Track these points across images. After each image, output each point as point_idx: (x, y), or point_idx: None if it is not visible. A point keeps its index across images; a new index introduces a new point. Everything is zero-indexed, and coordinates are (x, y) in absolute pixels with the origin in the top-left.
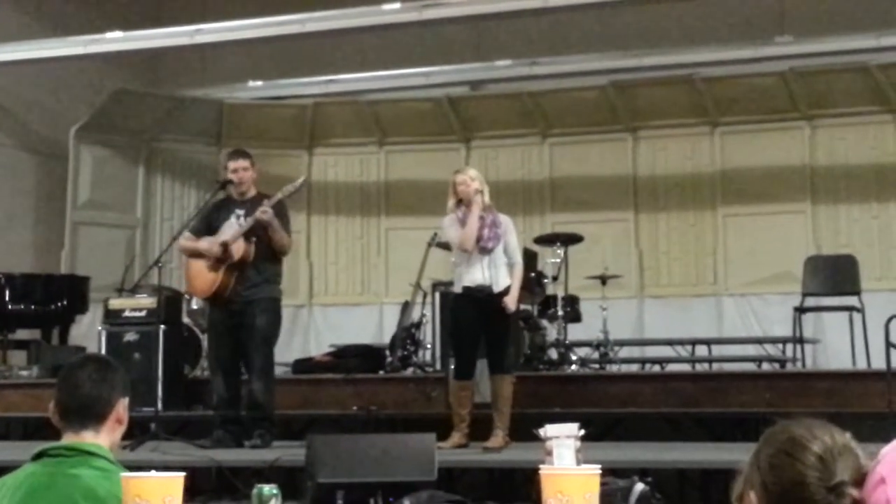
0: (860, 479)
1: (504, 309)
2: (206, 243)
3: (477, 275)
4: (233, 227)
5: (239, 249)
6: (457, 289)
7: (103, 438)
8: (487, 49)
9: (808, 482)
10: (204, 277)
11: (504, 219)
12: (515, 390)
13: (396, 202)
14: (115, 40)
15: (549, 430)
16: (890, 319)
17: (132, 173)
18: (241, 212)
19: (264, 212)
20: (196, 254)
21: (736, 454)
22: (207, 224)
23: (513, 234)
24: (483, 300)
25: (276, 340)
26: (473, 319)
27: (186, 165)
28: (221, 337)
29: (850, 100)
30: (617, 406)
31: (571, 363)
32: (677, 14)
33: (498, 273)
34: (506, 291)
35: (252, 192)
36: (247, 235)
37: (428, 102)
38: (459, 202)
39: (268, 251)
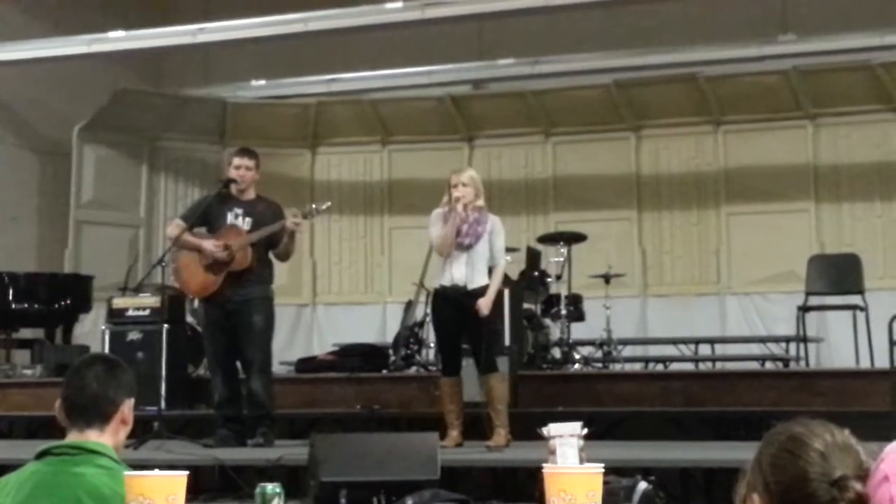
0: (863, 475)
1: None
2: (210, 245)
3: (452, 272)
4: (237, 228)
5: (245, 259)
6: (435, 285)
7: (107, 438)
8: (490, 48)
9: (810, 477)
10: (199, 278)
11: (492, 219)
12: (519, 389)
13: (400, 201)
14: (119, 39)
15: (552, 428)
16: (893, 318)
17: (135, 172)
18: (239, 211)
19: (297, 224)
20: (194, 249)
21: (739, 453)
22: (203, 216)
23: (500, 236)
24: (458, 298)
25: (272, 337)
26: (451, 316)
27: (190, 164)
28: (217, 335)
29: (853, 98)
30: (620, 405)
31: (575, 362)
32: (681, 12)
33: (474, 271)
34: (481, 290)
35: (252, 194)
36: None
37: (431, 101)
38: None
39: (262, 252)
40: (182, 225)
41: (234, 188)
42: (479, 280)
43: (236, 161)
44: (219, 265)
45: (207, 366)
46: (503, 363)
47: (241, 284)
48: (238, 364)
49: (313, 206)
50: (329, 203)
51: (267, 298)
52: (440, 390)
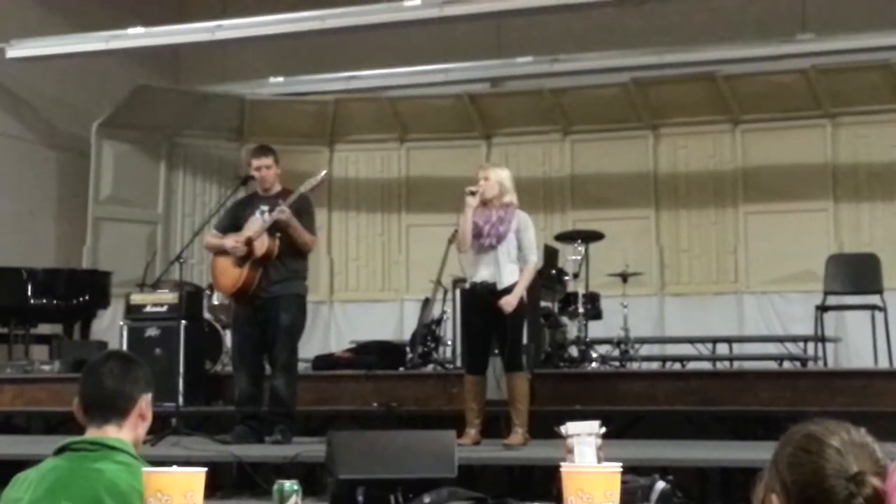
0: (880, 472)
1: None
2: (231, 240)
3: (481, 271)
4: (257, 222)
5: (262, 245)
6: (466, 284)
7: (126, 434)
8: (508, 46)
9: (827, 473)
10: (229, 274)
11: (520, 216)
12: (536, 388)
13: (417, 199)
14: (137, 36)
15: (569, 427)
16: None
17: (154, 169)
18: (265, 207)
19: (281, 211)
20: (221, 251)
21: (757, 452)
22: (233, 220)
23: (528, 232)
24: (486, 297)
25: (301, 336)
26: (480, 315)
27: (208, 161)
28: (246, 333)
29: (872, 97)
30: (638, 404)
31: (592, 360)
32: (699, 11)
33: (501, 270)
34: (510, 289)
35: (277, 188)
36: (270, 231)
37: (449, 99)
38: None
39: (292, 247)
40: (216, 234)
41: (258, 187)
42: (508, 278)
43: (255, 162)
44: (243, 258)
45: (232, 363)
46: None
47: (271, 280)
48: (265, 362)
49: (306, 181)
50: (324, 172)
51: (297, 296)
52: (463, 388)
